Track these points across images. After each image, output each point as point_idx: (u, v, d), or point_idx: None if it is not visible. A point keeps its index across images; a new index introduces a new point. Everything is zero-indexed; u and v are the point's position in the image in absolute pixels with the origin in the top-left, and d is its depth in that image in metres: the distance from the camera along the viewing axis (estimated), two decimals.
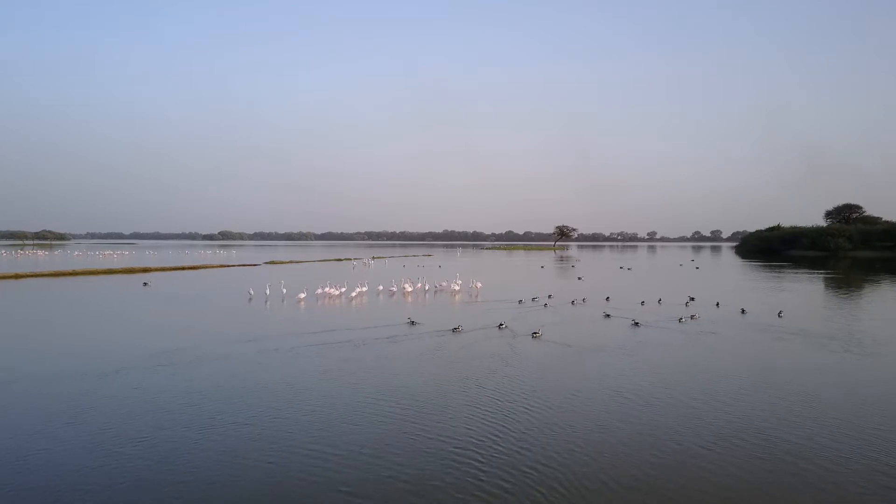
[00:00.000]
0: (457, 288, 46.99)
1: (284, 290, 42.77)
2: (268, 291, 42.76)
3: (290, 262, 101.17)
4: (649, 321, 31.14)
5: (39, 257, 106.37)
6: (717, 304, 38.73)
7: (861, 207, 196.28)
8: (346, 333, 26.66)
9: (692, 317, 32.60)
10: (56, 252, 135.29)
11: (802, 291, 51.38)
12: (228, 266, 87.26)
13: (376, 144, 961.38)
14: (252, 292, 42.47)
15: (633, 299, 41.65)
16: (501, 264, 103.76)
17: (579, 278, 62.15)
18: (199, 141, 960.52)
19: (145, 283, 52.68)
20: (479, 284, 46.66)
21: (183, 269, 79.13)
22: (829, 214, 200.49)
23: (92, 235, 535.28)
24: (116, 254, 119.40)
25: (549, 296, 42.84)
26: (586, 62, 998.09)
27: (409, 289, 45.75)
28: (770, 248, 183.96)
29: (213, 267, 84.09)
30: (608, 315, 33.29)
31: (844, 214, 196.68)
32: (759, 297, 44.44)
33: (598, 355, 22.44)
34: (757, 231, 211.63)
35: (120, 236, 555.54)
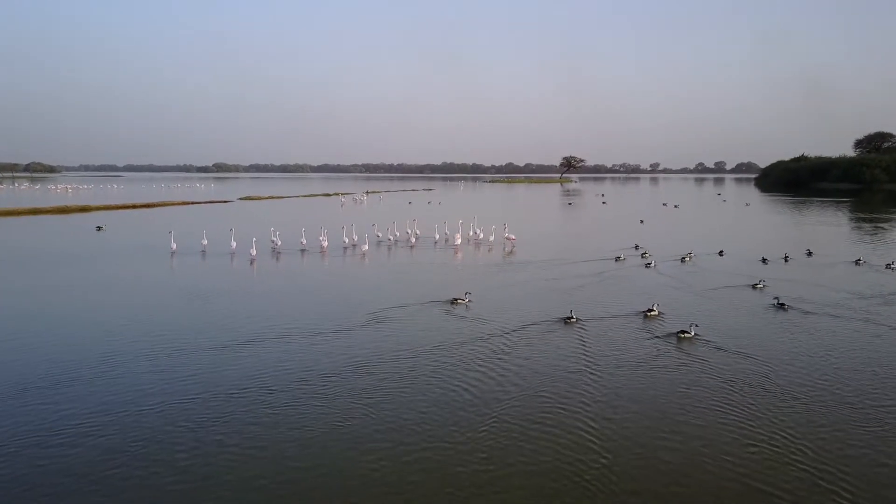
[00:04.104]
0: (491, 238, 34.37)
1: (234, 244, 29.17)
2: (205, 241, 29.75)
3: (269, 197, 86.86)
4: (839, 304, 18.07)
5: None
6: (858, 260, 26.00)
7: (894, 136, 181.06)
8: (287, 347, 13.38)
9: None
10: (12, 186, 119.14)
11: None
12: (195, 203, 73.21)
13: (373, 73, 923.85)
14: (174, 246, 29.07)
15: (746, 254, 29.93)
16: (516, 201, 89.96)
17: (641, 221, 48.58)
18: (197, 73, 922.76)
19: (99, 228, 40.58)
20: (512, 236, 33.15)
21: (135, 207, 65.01)
22: (858, 144, 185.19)
23: (85, 168, 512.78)
24: (71, 188, 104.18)
25: (636, 246, 31.42)
26: None
27: (459, 241, 33.21)
28: (797, 179, 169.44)
29: (173, 204, 70.03)
30: (761, 287, 21.02)
31: (875, 143, 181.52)
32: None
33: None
34: (780, 161, 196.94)
35: (114, 169, 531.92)
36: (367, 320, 16.23)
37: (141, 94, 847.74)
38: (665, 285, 21.70)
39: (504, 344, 14.17)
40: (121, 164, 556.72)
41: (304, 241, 30.37)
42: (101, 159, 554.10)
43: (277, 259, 28.01)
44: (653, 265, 25.57)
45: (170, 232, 29.81)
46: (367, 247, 29.93)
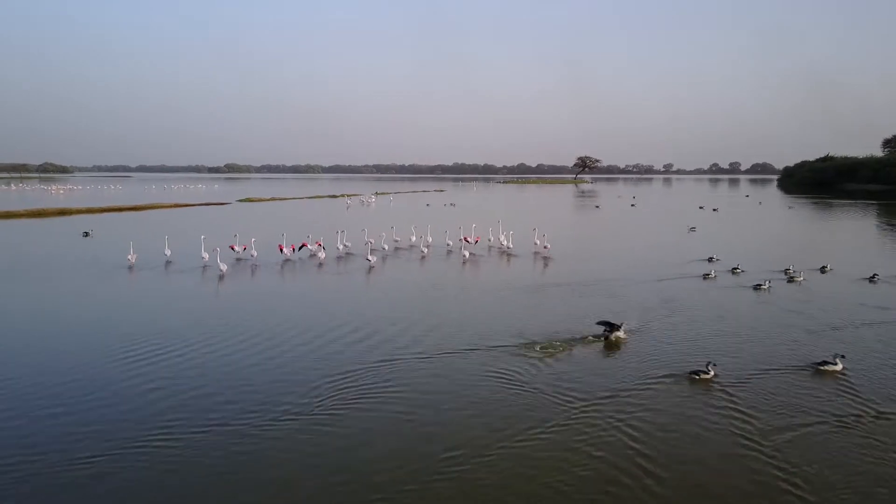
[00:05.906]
0: (510, 245, 29.11)
1: (205, 255, 23.68)
2: (168, 252, 24.99)
3: (271, 199, 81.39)
4: None
5: None
6: None
7: None
8: (206, 457, 7.70)
9: None
10: (6, 187, 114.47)
11: None
12: (188, 205, 67.87)
13: (384, 74, 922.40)
14: (131, 257, 23.99)
15: (847, 270, 23.85)
16: (535, 203, 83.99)
17: (692, 228, 41.44)
18: (210, 75, 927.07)
19: (86, 233, 35.61)
20: (547, 245, 27.46)
21: (120, 210, 59.71)
22: (887, 143, 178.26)
23: (98, 168, 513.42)
24: (64, 189, 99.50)
25: (710, 258, 25.53)
26: None
27: (467, 254, 26.84)
28: (823, 180, 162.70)
29: (163, 207, 64.70)
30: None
31: None
32: None
33: None
34: (805, 161, 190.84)
35: (126, 169, 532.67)
36: (345, 390, 10.41)
37: (154, 95, 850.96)
38: (791, 323, 15.54)
39: (607, 432, 8.43)
40: (133, 164, 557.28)
41: (287, 251, 25.30)
42: (115, 160, 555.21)
43: (253, 274, 22.42)
44: (766, 287, 19.58)
45: (130, 242, 24.37)
46: (373, 258, 24.33)
